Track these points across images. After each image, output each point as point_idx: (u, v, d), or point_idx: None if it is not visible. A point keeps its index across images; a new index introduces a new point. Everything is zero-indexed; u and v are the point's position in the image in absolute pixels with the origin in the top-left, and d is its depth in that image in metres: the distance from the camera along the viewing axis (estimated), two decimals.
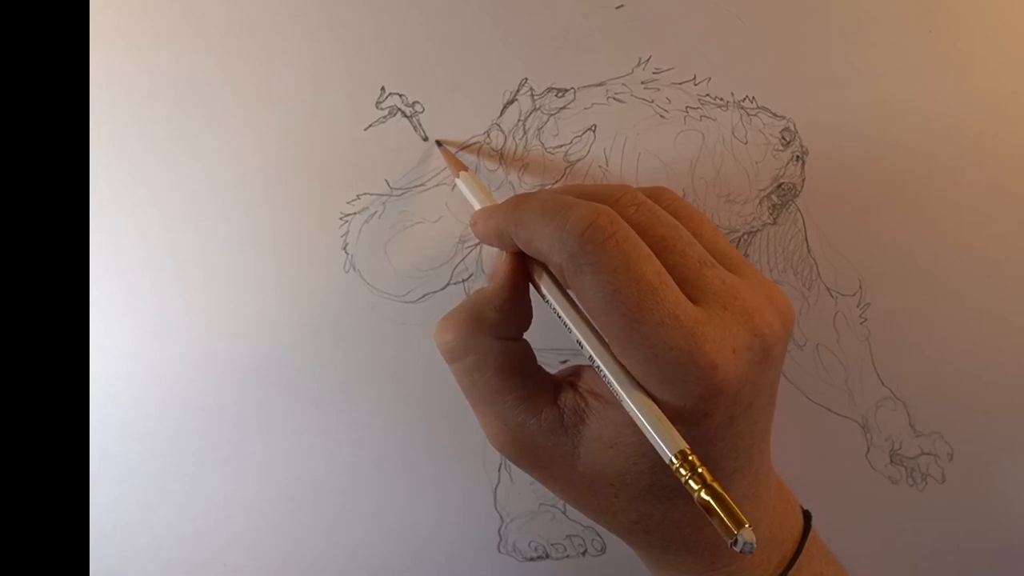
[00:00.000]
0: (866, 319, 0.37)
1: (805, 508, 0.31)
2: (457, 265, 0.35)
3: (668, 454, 0.23)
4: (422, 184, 0.34)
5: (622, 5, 0.32)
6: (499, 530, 0.39)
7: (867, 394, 0.38)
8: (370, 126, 0.33)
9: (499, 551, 0.39)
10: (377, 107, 0.33)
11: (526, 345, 0.28)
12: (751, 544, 0.22)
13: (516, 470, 0.38)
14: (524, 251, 0.26)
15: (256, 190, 0.34)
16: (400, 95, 0.33)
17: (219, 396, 0.36)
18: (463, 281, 0.35)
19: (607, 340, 0.24)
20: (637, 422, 0.24)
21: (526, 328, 0.28)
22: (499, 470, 0.38)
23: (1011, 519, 0.40)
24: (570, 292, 0.26)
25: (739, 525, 0.22)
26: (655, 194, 0.28)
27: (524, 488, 0.38)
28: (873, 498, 0.39)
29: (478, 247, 0.35)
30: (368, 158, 0.33)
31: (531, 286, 0.28)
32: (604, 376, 0.25)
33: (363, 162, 0.34)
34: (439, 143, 0.33)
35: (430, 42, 0.32)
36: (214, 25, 0.32)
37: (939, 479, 0.39)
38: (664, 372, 0.23)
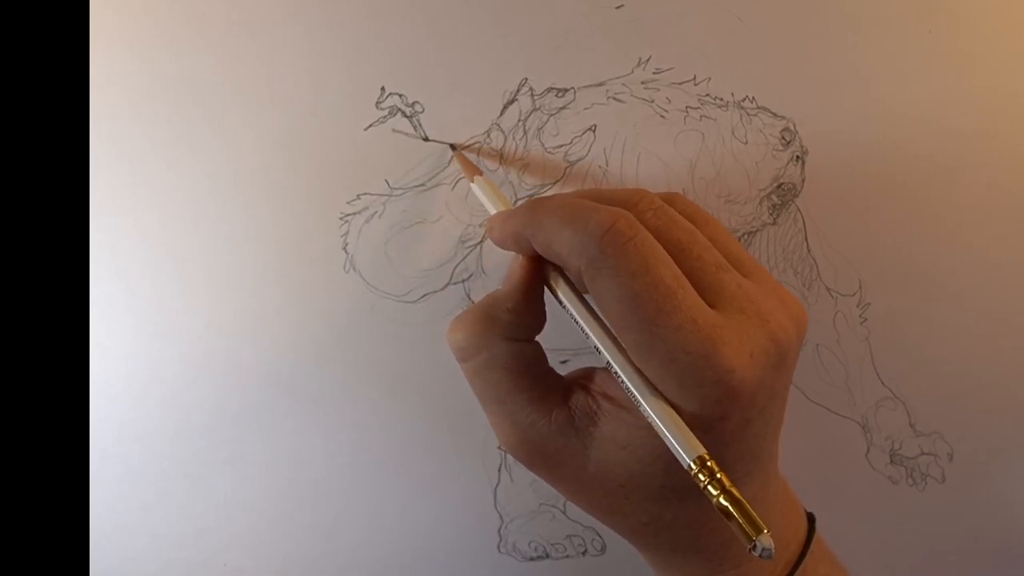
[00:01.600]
0: (866, 319, 0.37)
1: (808, 511, 0.32)
2: (457, 265, 0.35)
3: (687, 460, 0.23)
4: (422, 184, 0.34)
5: (622, 5, 0.32)
6: (499, 530, 0.39)
7: (867, 394, 0.38)
8: (370, 126, 0.33)
9: (499, 551, 0.39)
10: (377, 107, 0.33)
11: (538, 347, 0.28)
12: (769, 550, 0.22)
13: (516, 470, 0.38)
14: (542, 255, 0.26)
15: (256, 190, 0.34)
16: (400, 95, 0.33)
17: (219, 396, 0.36)
18: (463, 281, 0.35)
19: (624, 344, 0.24)
20: (655, 427, 0.24)
21: (539, 330, 0.28)
22: (499, 470, 0.38)
23: (1011, 519, 0.40)
24: (587, 296, 0.26)
25: (758, 531, 0.22)
26: (670, 199, 0.28)
27: (524, 488, 0.38)
28: (873, 498, 0.39)
29: (478, 247, 0.35)
30: (368, 158, 0.33)
31: (546, 289, 0.28)
32: (621, 381, 0.25)
33: (363, 162, 0.34)
34: (453, 147, 0.33)
35: (430, 42, 0.32)
36: (214, 25, 0.32)
37: (939, 479, 0.39)
38: (682, 376, 0.23)
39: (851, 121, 0.34)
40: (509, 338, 0.27)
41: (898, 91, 0.34)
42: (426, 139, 0.33)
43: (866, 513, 0.40)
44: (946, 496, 0.39)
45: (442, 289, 0.35)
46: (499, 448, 0.38)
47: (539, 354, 0.28)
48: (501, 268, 0.34)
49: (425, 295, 0.35)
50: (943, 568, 0.41)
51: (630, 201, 0.26)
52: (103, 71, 0.32)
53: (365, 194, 0.34)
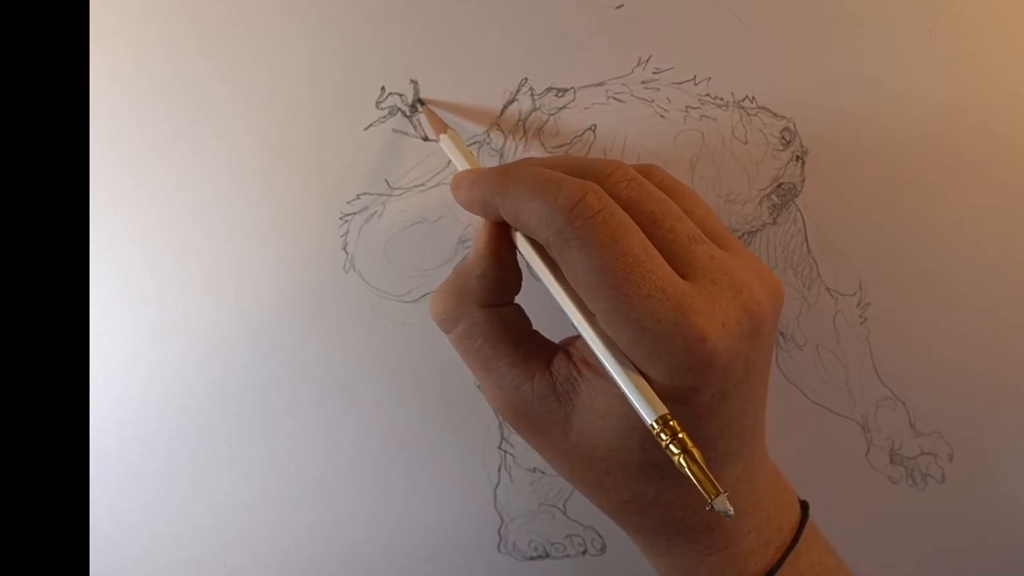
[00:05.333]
0: (866, 319, 0.37)
1: (803, 499, 0.32)
2: (457, 265, 0.35)
3: (648, 419, 0.23)
4: (422, 184, 0.34)
5: (622, 5, 0.32)
6: (499, 530, 0.39)
7: (867, 394, 0.38)
8: (370, 126, 0.33)
9: (499, 551, 0.39)
10: (377, 107, 0.33)
11: (518, 310, 0.28)
12: (726, 511, 0.22)
13: (516, 470, 0.38)
14: (510, 223, 0.26)
15: (256, 190, 0.34)
16: (400, 95, 0.33)
17: (219, 396, 0.36)
18: None
19: (595, 314, 0.24)
20: (619, 387, 0.24)
21: (515, 293, 0.28)
22: (499, 470, 0.38)
23: (1011, 519, 0.40)
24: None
25: (716, 492, 0.22)
26: (646, 171, 0.28)
27: (524, 488, 0.38)
28: (873, 498, 0.39)
29: None
30: (368, 158, 0.34)
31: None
32: (589, 345, 0.25)
33: (363, 162, 0.34)
34: (423, 102, 0.33)
35: (430, 42, 0.32)
36: (214, 25, 0.32)
37: (939, 479, 0.39)
38: (652, 344, 0.23)
39: (851, 121, 0.34)
40: (485, 304, 0.27)
41: (898, 91, 0.34)
42: (426, 139, 0.33)
43: (866, 513, 0.40)
44: (946, 496, 0.39)
45: None
46: (499, 448, 0.38)
47: (520, 317, 0.28)
48: None
49: (425, 295, 0.35)
50: (943, 568, 0.41)
51: (603, 172, 0.26)
52: (103, 71, 0.32)
53: (365, 194, 0.34)
